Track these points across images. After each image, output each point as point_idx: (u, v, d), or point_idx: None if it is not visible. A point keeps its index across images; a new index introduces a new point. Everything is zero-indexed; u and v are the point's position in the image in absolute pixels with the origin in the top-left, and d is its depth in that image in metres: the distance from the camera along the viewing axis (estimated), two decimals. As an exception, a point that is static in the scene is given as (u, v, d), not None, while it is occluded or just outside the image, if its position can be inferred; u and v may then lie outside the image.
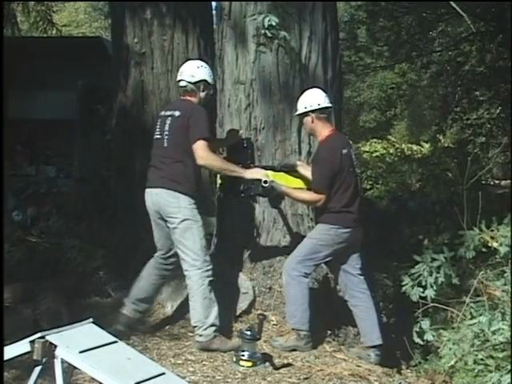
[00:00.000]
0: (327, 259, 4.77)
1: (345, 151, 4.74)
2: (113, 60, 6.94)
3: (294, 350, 4.61)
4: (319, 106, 4.76)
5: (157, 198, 4.63)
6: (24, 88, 9.16)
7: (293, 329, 4.66)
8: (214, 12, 6.73)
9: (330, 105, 4.83)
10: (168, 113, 4.72)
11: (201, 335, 4.55)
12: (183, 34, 6.45)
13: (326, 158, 4.72)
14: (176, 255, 4.70)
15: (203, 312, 4.54)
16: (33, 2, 11.07)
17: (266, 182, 4.73)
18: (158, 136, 4.71)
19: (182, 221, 4.55)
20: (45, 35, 11.29)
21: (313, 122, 4.77)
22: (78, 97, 9.13)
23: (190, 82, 4.72)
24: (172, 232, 4.62)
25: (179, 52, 6.41)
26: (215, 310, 4.57)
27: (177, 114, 4.66)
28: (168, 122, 4.67)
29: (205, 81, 4.73)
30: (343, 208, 4.68)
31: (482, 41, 11.71)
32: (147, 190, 4.71)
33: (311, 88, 4.89)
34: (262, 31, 5.00)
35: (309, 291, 4.68)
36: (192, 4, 6.53)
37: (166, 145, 4.66)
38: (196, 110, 4.65)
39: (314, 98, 4.78)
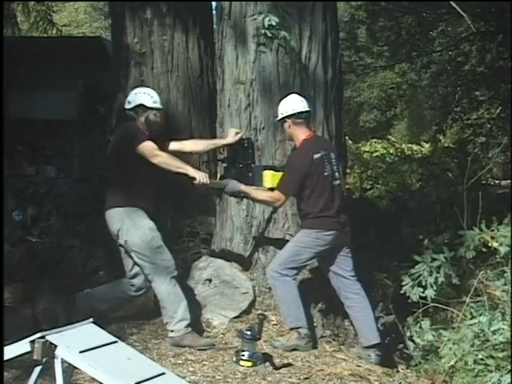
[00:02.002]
0: (309, 262, 4.79)
1: (317, 156, 4.72)
2: (113, 60, 6.94)
3: (295, 349, 4.62)
4: (294, 111, 4.78)
5: (107, 221, 4.84)
6: (24, 88, 9.15)
7: (291, 328, 4.67)
8: (214, 12, 6.74)
9: (305, 109, 4.82)
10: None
11: (172, 330, 4.63)
12: (183, 34, 6.45)
13: (293, 163, 4.77)
14: (138, 277, 4.80)
15: (171, 308, 4.62)
16: (33, 2, 11.07)
17: (222, 177, 4.87)
18: None
19: (125, 232, 4.66)
20: (45, 35, 11.28)
21: (289, 127, 4.81)
22: (78, 97, 9.13)
23: (127, 109, 4.86)
24: (125, 247, 4.72)
25: (179, 52, 6.42)
26: (183, 305, 4.64)
27: (112, 138, 4.96)
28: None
29: (141, 105, 4.79)
30: (320, 213, 4.69)
31: (482, 41, 11.71)
32: None
33: (290, 94, 4.89)
34: (262, 31, 5.02)
35: (297, 288, 4.69)
36: (192, 4, 6.54)
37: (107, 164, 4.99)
38: (125, 128, 4.88)
39: (289, 104, 4.81)
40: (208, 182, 4.68)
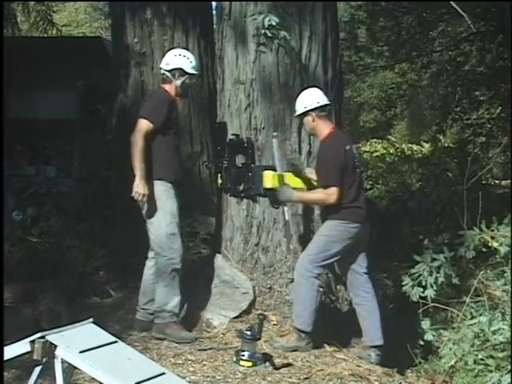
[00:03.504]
0: (338, 257, 4.74)
1: (347, 147, 4.74)
2: (113, 60, 6.94)
3: (295, 350, 4.61)
4: (319, 104, 4.76)
5: None
6: (24, 88, 9.15)
7: (297, 329, 4.65)
8: (214, 12, 6.74)
9: (329, 102, 4.84)
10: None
11: (158, 317, 4.69)
12: (183, 33, 6.45)
13: (332, 155, 4.71)
14: None
15: (163, 299, 4.66)
16: (33, 2, 11.06)
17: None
18: None
19: (150, 206, 4.61)
20: (45, 35, 11.28)
21: (314, 120, 4.77)
22: (78, 97, 9.13)
23: (165, 70, 4.79)
24: (144, 216, 4.70)
25: (179, 52, 6.41)
26: (176, 300, 4.67)
27: (142, 102, 4.85)
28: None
29: (180, 69, 4.75)
30: (350, 203, 4.68)
31: (482, 41, 11.72)
32: None
33: (309, 87, 4.89)
34: (262, 31, 5.02)
35: (318, 293, 4.67)
36: (192, 4, 6.54)
37: None
38: (150, 94, 4.82)
39: (313, 97, 4.79)
40: (145, 194, 4.57)
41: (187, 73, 4.79)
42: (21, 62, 8.64)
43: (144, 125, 4.59)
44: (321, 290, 4.86)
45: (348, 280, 4.87)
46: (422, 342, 4.29)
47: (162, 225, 4.63)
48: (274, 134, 4.95)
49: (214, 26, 6.21)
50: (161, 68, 4.86)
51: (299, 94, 4.87)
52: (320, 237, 4.74)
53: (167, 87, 4.79)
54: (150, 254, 4.86)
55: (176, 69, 4.76)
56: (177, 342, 4.60)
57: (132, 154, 4.58)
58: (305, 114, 4.78)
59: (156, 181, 4.62)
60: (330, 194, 4.65)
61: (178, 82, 4.77)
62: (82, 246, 6.41)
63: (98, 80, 8.38)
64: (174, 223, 4.66)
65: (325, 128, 4.79)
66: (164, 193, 4.64)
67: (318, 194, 4.76)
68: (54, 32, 11.49)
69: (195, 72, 4.87)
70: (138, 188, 4.55)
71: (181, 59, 4.79)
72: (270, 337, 4.73)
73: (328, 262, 4.72)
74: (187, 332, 4.72)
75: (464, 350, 3.95)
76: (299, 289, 4.68)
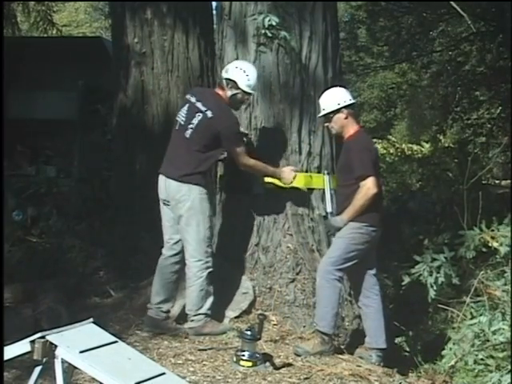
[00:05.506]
0: (357, 259, 4.68)
1: (375, 146, 4.73)
2: (113, 60, 6.94)
3: (320, 354, 4.55)
4: (351, 102, 4.76)
5: (169, 187, 4.70)
6: (24, 88, 9.13)
7: (320, 332, 4.62)
8: (214, 12, 6.74)
9: (355, 101, 4.88)
10: (200, 106, 4.74)
11: (192, 320, 4.70)
12: (183, 33, 6.45)
13: (364, 147, 4.68)
14: (181, 244, 4.78)
15: (198, 302, 4.68)
16: (33, 2, 11.05)
17: (330, 213, 4.86)
18: (182, 123, 4.77)
19: (189, 209, 4.63)
20: (45, 35, 11.27)
21: (346, 117, 4.74)
22: (78, 97, 9.12)
23: (223, 77, 4.81)
24: (179, 220, 4.70)
25: (179, 52, 6.42)
26: (210, 301, 4.70)
27: (209, 114, 4.69)
28: (198, 117, 4.71)
29: (233, 81, 4.73)
30: (372, 206, 4.61)
31: (482, 41, 11.72)
32: (161, 177, 4.78)
33: (333, 87, 4.90)
34: (262, 31, 5.02)
35: (340, 296, 4.67)
36: (192, 4, 6.53)
37: (188, 136, 4.72)
38: (228, 118, 4.74)
39: (344, 94, 4.78)
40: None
41: (239, 88, 4.75)
42: (21, 62, 8.62)
43: (244, 152, 4.76)
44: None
45: (357, 281, 4.82)
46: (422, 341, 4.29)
47: (202, 228, 4.67)
48: (326, 171, 5.05)
49: (214, 26, 6.21)
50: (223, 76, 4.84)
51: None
52: (341, 239, 4.68)
53: (221, 92, 4.79)
54: (168, 252, 4.83)
55: (230, 80, 4.74)
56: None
57: (258, 172, 4.89)
58: (335, 111, 4.74)
59: (198, 186, 4.66)
60: (369, 185, 4.55)
61: (229, 93, 4.76)
62: (82, 246, 6.41)
63: (98, 80, 8.36)
64: (211, 228, 4.77)
65: (353, 126, 4.77)
66: (205, 197, 4.69)
67: (359, 195, 4.58)
68: (54, 32, 11.46)
69: (249, 91, 4.79)
70: (288, 174, 4.93)
71: (239, 73, 4.73)
72: (270, 337, 4.72)
73: (349, 264, 4.65)
74: (222, 324, 4.79)
75: (464, 350, 3.95)
76: (321, 291, 4.65)
